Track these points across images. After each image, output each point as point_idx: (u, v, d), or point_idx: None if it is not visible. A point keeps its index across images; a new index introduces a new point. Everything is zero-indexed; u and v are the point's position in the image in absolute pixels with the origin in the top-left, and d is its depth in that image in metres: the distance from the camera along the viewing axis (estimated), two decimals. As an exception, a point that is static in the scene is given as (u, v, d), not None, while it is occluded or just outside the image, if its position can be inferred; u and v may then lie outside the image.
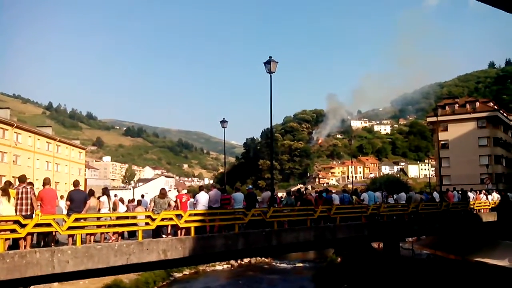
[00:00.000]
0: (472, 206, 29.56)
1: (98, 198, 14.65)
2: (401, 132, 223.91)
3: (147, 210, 15.85)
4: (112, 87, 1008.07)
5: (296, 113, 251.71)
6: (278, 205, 19.55)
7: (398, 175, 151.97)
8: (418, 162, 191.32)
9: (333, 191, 23.93)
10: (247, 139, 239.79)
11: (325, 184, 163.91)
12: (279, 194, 35.34)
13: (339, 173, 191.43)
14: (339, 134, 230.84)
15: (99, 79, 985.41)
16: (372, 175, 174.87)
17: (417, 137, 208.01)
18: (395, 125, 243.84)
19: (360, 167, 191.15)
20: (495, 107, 71.47)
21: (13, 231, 11.27)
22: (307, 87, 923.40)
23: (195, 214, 15.07)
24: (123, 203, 17.08)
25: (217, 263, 49.78)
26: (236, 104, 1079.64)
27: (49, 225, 11.78)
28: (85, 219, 12.84)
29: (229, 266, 51.75)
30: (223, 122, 32.16)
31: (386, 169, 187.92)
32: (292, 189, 53.75)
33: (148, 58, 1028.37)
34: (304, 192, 22.41)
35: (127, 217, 14.38)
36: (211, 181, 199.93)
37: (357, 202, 21.82)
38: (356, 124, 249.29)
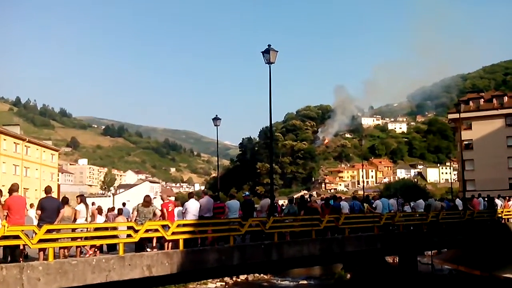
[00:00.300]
0: (500, 215, 29.58)
1: (73, 206, 14.62)
2: (418, 131, 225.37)
3: (129, 220, 15.91)
4: (88, 81, 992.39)
5: (299, 110, 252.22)
6: (279, 214, 19.61)
7: (416, 180, 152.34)
8: (438, 165, 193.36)
9: (342, 198, 24.03)
10: (243, 139, 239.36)
11: (332, 190, 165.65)
12: (280, 202, 35.37)
13: (348, 177, 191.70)
14: (348, 133, 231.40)
15: (73, 71, 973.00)
16: (386, 180, 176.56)
17: (437, 137, 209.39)
18: (412, 123, 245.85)
19: (372, 171, 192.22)
20: (526, 102, 71.64)
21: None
22: (311, 80, 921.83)
23: (184, 225, 15.15)
24: (101, 213, 17.04)
25: (210, 280, 49.63)
26: (230, 100, 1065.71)
27: (17, 237, 11.74)
28: (58, 230, 12.81)
29: (223, 283, 51.61)
30: (216, 119, 31.96)
31: (402, 173, 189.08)
32: (295, 196, 53.80)
33: (130, 48, 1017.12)
34: (309, 200, 22.54)
35: (106, 229, 14.37)
36: (202, 187, 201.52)
37: (369, 210, 21.90)
38: (368, 122, 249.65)
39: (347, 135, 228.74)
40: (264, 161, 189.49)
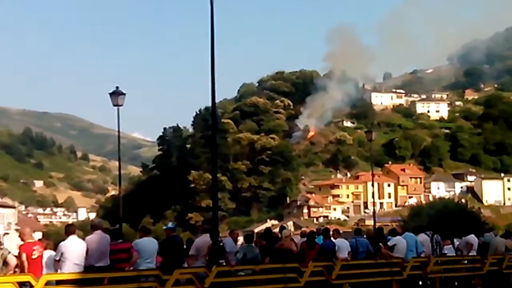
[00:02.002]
0: None
1: None
2: (468, 117, 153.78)
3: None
4: None
5: (263, 79, 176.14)
6: (228, 263, 12.08)
7: (464, 201, 77.57)
8: (502, 174, 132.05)
9: (338, 232, 15.82)
10: (165, 130, 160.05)
11: (321, 219, 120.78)
12: (230, 241, 24.92)
13: (348, 196, 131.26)
14: (349, 119, 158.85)
15: None
16: (412, 201, 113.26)
17: (499, 126, 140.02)
18: (458, 102, 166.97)
19: (389, 186, 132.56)
20: None
21: None
22: (285, 30, 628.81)
23: (59, 282, 9.96)
24: None
25: None
26: (143, 69, 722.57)
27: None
28: None
29: None
30: (116, 94, 19.91)
31: (439, 189, 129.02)
32: (256, 230, 44.19)
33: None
34: (280, 235, 14.27)
35: None
36: (92, 215, 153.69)
37: (384, 253, 13.99)
38: (383, 100, 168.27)
39: (347, 123, 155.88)
40: (202, 168, 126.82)
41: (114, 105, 19.89)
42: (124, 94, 19.95)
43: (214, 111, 13.84)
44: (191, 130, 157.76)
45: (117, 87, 19.88)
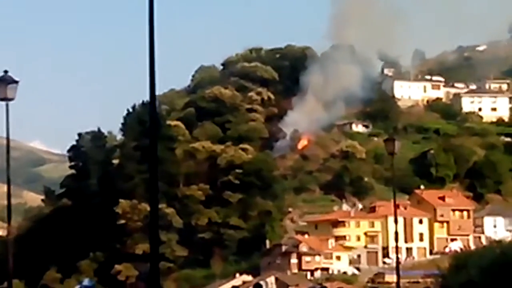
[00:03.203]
0: None
1: None
2: None
3: None
4: None
5: (231, 59, 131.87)
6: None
7: None
8: None
9: None
10: (80, 137, 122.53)
11: (317, 274, 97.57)
12: None
13: (359, 238, 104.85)
14: (360, 121, 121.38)
15: None
16: (456, 245, 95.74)
17: None
18: None
19: (421, 221, 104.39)
20: None
21: None
22: None
23: None
24: None
25: None
26: (43, 53, 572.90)
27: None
28: None
29: None
30: (4, 83, 14.67)
31: (496, 227, 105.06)
32: None
33: None
34: None
35: None
36: None
37: None
38: (411, 93, 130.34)
39: (358, 127, 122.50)
40: (137, 196, 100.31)
41: (1, 99, 15.08)
42: (16, 82, 15.08)
43: (154, 105, 7.72)
44: (119, 137, 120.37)
45: (5, 72, 14.87)
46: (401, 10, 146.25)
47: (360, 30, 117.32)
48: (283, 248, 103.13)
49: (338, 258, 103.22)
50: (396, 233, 55.54)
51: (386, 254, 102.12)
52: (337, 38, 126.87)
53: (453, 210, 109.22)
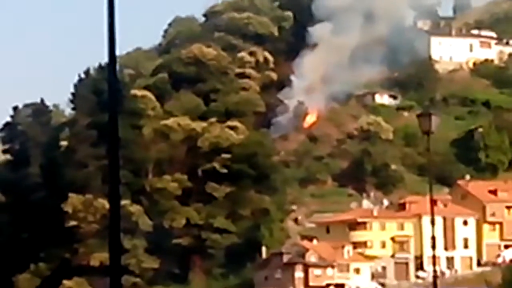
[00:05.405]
0: None
1: None
2: None
3: None
4: None
5: (215, 8, 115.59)
6: None
7: None
8: None
9: None
10: (15, 111, 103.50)
11: None
12: None
13: (384, 245, 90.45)
14: (386, 90, 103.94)
15: None
16: (511, 253, 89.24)
17: None
18: None
19: (466, 222, 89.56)
20: None
21: None
22: None
23: None
24: None
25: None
26: None
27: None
28: None
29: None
30: None
31: None
32: None
33: None
34: None
35: None
36: None
37: None
38: (452, 53, 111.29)
39: (383, 99, 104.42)
40: (91, 188, 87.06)
41: None
42: None
43: (114, 69, 5.60)
44: (68, 111, 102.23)
45: None
46: None
47: None
48: (285, 258, 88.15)
49: (357, 271, 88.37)
50: (433, 238, 37.70)
51: (420, 266, 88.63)
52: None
53: (508, 208, 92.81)
